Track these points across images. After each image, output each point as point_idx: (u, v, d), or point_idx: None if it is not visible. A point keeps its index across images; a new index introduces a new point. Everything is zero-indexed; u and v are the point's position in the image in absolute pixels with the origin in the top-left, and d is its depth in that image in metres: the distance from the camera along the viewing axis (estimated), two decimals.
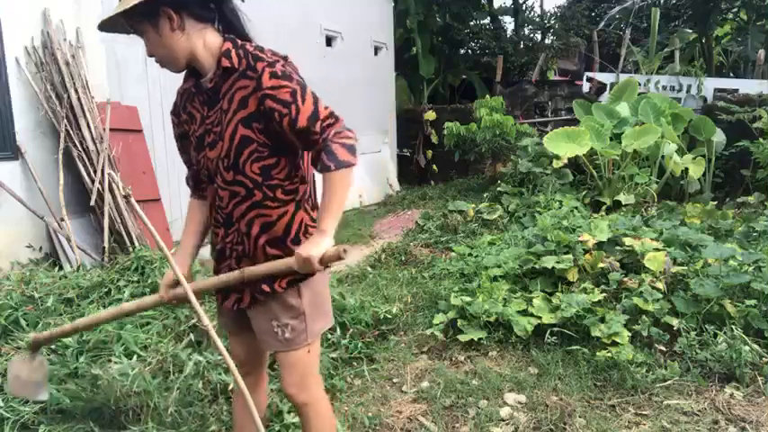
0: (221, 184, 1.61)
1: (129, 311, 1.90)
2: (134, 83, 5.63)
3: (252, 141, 1.54)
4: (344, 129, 1.52)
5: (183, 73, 1.67)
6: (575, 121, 8.31)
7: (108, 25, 1.58)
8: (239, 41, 1.58)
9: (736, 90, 9.05)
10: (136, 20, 1.52)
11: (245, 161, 1.56)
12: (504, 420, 2.62)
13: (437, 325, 3.50)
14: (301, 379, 1.75)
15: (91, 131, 4.67)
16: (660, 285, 3.42)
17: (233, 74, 1.53)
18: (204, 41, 1.56)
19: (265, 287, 1.64)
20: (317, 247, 1.46)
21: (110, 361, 2.64)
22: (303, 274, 1.60)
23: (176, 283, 1.70)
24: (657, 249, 3.73)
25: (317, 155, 1.52)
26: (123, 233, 4.60)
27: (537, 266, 3.89)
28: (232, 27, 1.62)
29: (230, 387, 2.54)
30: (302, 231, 1.67)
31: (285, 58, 1.58)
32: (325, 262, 1.46)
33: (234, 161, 1.56)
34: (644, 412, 2.65)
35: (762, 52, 9.79)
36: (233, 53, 1.54)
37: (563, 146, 7.01)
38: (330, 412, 1.86)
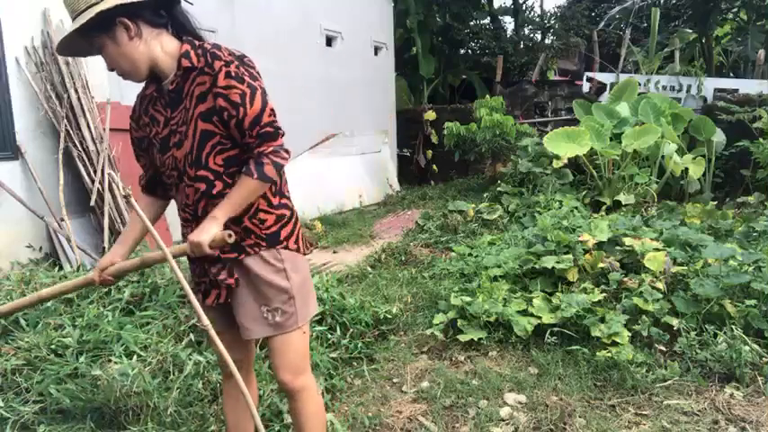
0: (187, 181, 1.67)
1: (49, 296, 1.92)
2: (133, 83, 5.62)
3: (214, 134, 1.60)
4: (281, 149, 1.60)
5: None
6: (575, 121, 8.31)
7: (65, 47, 1.63)
8: (196, 42, 1.64)
9: (736, 90, 9.05)
10: (93, 35, 1.56)
11: (207, 154, 1.62)
12: (504, 420, 2.62)
13: (437, 325, 3.50)
14: (296, 363, 1.77)
15: (91, 131, 4.67)
16: (660, 285, 3.42)
17: (192, 72, 1.59)
18: (162, 45, 1.62)
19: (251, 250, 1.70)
20: (206, 233, 1.55)
21: (110, 361, 2.64)
22: (253, 249, 1.70)
23: (108, 266, 1.77)
24: (657, 249, 3.73)
25: (246, 159, 1.61)
26: None
27: (537, 266, 3.89)
28: (185, 29, 1.68)
29: (220, 388, 2.53)
30: (249, 214, 1.67)
31: (241, 58, 1.60)
32: (215, 245, 1.56)
33: (197, 156, 1.62)
34: (644, 412, 2.65)
35: (762, 52, 9.79)
36: (192, 53, 1.60)
37: (563, 146, 7.01)
38: (321, 398, 1.92)
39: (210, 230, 1.55)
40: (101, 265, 1.77)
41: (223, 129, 1.59)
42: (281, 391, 1.83)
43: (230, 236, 1.54)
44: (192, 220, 1.72)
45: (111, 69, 1.63)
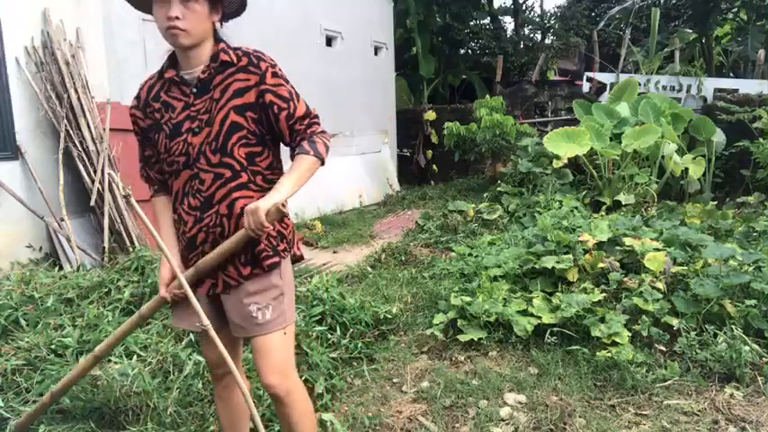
0: (205, 167, 1.69)
1: (130, 329, 1.95)
2: (134, 83, 5.61)
3: (242, 128, 1.69)
4: (326, 132, 1.76)
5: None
6: (575, 121, 8.31)
7: None
8: (230, 44, 1.78)
9: (736, 90, 9.05)
10: None
11: (233, 144, 1.68)
12: (504, 420, 2.62)
13: (437, 325, 3.50)
14: (283, 365, 1.77)
15: (91, 131, 4.67)
16: (660, 285, 3.42)
17: (229, 68, 1.69)
18: (210, 36, 1.73)
19: (246, 270, 1.72)
20: (266, 200, 1.57)
21: (110, 361, 2.65)
22: (281, 256, 1.76)
23: (173, 279, 1.77)
24: (657, 249, 3.73)
25: (298, 143, 1.71)
26: (123, 233, 4.61)
27: (537, 266, 3.89)
28: (216, 33, 1.78)
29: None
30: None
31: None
32: (270, 219, 1.56)
33: (222, 144, 1.68)
34: (644, 412, 2.65)
35: (762, 52, 9.79)
36: (230, 52, 1.71)
37: (563, 146, 7.01)
38: (309, 400, 1.91)
39: (270, 199, 1.57)
40: (164, 280, 1.82)
41: (252, 125, 1.69)
42: (273, 397, 1.80)
43: (284, 205, 1.56)
44: (198, 207, 1.72)
45: (176, 18, 1.61)
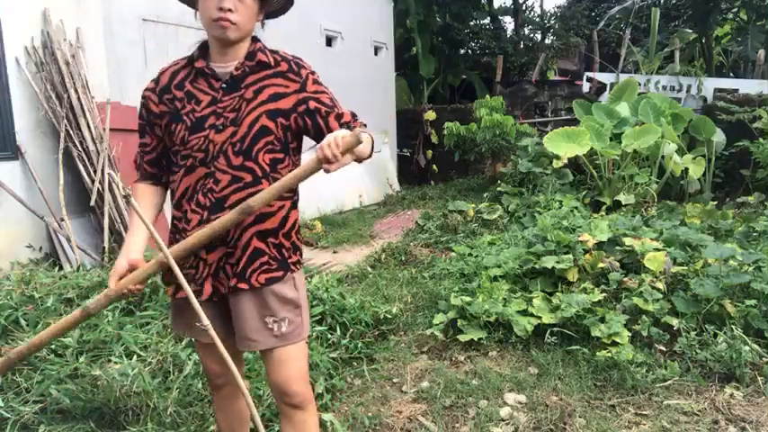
0: (224, 167, 1.62)
1: (60, 330, 1.73)
2: (134, 83, 5.63)
3: (270, 133, 1.64)
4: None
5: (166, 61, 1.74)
6: (575, 121, 8.31)
7: None
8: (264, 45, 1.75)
9: (736, 90, 9.05)
10: None
11: (259, 149, 1.63)
12: (504, 420, 2.62)
13: (437, 325, 3.50)
14: (304, 373, 1.76)
15: (91, 131, 4.67)
16: (660, 285, 3.42)
17: (266, 70, 1.66)
18: (251, 35, 1.71)
19: (232, 281, 1.66)
20: (341, 131, 1.45)
21: (110, 361, 2.64)
22: (290, 269, 1.71)
23: (128, 273, 1.64)
24: (657, 249, 3.73)
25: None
26: (123, 233, 4.60)
27: (537, 266, 3.89)
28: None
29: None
30: (295, 229, 1.75)
31: None
32: (343, 146, 1.42)
33: (248, 147, 1.62)
34: (644, 412, 2.65)
35: (762, 52, 9.79)
36: (268, 53, 1.69)
37: (563, 146, 7.01)
38: None
39: (343, 131, 1.46)
40: (117, 272, 1.64)
41: (280, 131, 1.65)
42: (288, 404, 1.74)
43: (362, 131, 1.45)
44: (208, 207, 1.64)
45: (228, 11, 1.55)
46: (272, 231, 1.68)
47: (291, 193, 1.70)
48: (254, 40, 1.70)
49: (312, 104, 1.65)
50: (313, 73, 1.69)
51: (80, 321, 1.75)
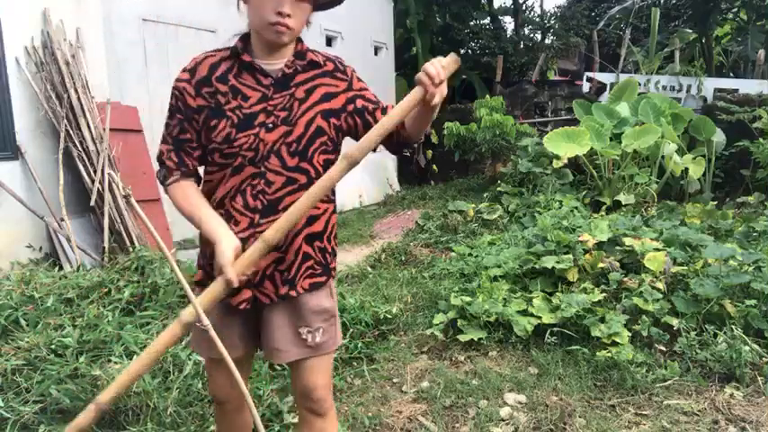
0: (276, 168, 1.56)
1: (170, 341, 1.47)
2: (134, 83, 5.64)
3: (324, 133, 1.61)
4: None
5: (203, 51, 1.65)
6: (575, 121, 8.31)
7: None
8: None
9: (736, 90, 9.06)
10: None
11: (314, 150, 1.59)
12: (504, 420, 2.62)
13: (437, 325, 3.50)
14: (329, 382, 1.74)
15: (91, 131, 4.67)
16: (660, 285, 3.42)
17: (315, 69, 1.63)
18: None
19: (283, 289, 1.60)
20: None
21: (110, 361, 2.64)
22: (331, 275, 1.69)
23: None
24: (657, 249, 3.73)
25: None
26: (123, 233, 4.61)
27: (537, 266, 3.89)
28: None
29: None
30: (334, 233, 1.73)
31: None
32: (447, 65, 1.47)
33: (304, 148, 1.58)
34: (644, 412, 2.65)
35: (762, 52, 9.79)
36: (317, 53, 1.66)
37: (563, 146, 7.01)
38: None
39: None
40: (229, 259, 1.44)
41: (333, 132, 1.62)
42: (311, 410, 1.71)
43: (458, 54, 1.46)
44: (259, 210, 1.55)
45: (287, 16, 1.50)
46: (318, 234, 1.65)
47: (333, 197, 1.69)
48: (299, 40, 1.66)
49: (360, 102, 1.64)
50: (354, 71, 1.69)
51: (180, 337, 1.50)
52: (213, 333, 1.55)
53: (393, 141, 1.64)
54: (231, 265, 1.42)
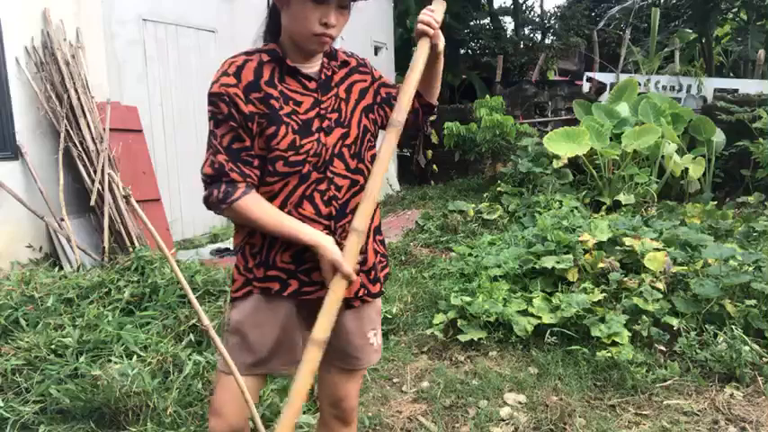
0: (342, 171, 1.53)
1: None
2: (134, 83, 5.64)
3: (368, 130, 1.61)
4: None
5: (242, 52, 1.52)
6: (575, 121, 8.31)
7: None
8: None
9: (736, 90, 9.06)
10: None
11: (365, 149, 1.59)
12: (504, 420, 2.62)
13: (437, 325, 3.50)
14: (358, 391, 1.73)
15: (91, 131, 4.67)
16: (660, 285, 3.42)
17: (345, 67, 1.60)
18: None
19: (374, 287, 1.60)
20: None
21: (110, 361, 2.64)
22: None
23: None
24: (657, 249, 3.74)
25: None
26: (123, 233, 4.61)
27: (537, 266, 3.89)
28: None
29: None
30: (379, 229, 1.73)
31: None
32: (436, 10, 1.53)
33: (359, 148, 1.57)
34: (644, 412, 2.65)
35: (762, 52, 9.79)
36: (338, 50, 1.63)
37: (563, 146, 7.01)
38: None
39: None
40: (338, 254, 1.43)
41: (373, 126, 1.63)
42: (339, 418, 1.67)
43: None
44: (335, 217, 1.52)
45: (331, 26, 1.44)
46: (378, 228, 1.69)
47: None
48: None
49: (384, 91, 1.65)
50: (367, 61, 1.69)
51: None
52: (212, 333, 1.55)
53: (416, 111, 1.69)
54: (351, 261, 1.43)
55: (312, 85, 1.52)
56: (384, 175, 1.51)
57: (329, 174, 1.51)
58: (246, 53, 1.50)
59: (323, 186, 1.51)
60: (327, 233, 1.50)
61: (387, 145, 1.51)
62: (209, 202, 1.48)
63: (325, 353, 1.44)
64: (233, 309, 1.56)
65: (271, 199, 1.50)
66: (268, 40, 1.56)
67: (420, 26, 1.49)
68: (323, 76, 1.54)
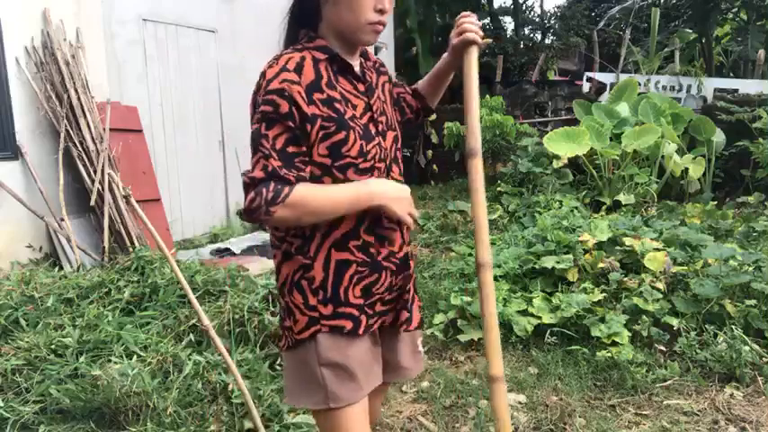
0: (398, 177, 1.47)
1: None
2: (134, 83, 5.64)
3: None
4: None
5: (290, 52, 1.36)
6: (575, 121, 8.30)
7: None
8: None
9: (736, 90, 9.05)
10: None
11: (398, 149, 1.51)
12: None
13: (437, 325, 3.50)
14: None
15: (91, 131, 4.67)
16: (660, 285, 3.42)
17: (375, 66, 1.53)
18: None
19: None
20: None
21: (110, 361, 2.64)
22: None
23: None
24: (657, 249, 3.74)
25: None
26: (123, 233, 4.61)
27: (537, 266, 3.89)
28: None
29: (230, 387, 2.54)
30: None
31: None
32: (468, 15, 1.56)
33: (396, 153, 1.50)
34: (644, 412, 2.65)
35: (762, 52, 9.79)
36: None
37: (563, 146, 7.01)
38: None
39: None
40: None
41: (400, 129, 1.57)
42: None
43: None
44: (399, 223, 1.44)
45: (386, 12, 1.36)
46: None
47: None
48: None
49: (395, 92, 1.62)
50: None
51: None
52: (212, 333, 1.56)
53: (417, 112, 1.73)
54: (411, 206, 1.41)
55: (361, 87, 1.41)
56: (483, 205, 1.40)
57: (391, 180, 1.44)
58: (295, 49, 1.35)
59: None
60: (401, 244, 1.45)
61: (478, 175, 1.38)
62: (253, 208, 1.26)
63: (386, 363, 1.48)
64: (303, 349, 1.39)
65: (356, 214, 1.37)
66: (292, 34, 1.44)
67: (469, 35, 1.44)
68: (367, 78, 1.44)
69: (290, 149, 1.28)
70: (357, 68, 1.42)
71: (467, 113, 1.41)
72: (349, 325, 1.37)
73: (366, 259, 1.37)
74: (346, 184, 1.33)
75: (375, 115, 1.41)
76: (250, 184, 1.26)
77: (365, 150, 1.35)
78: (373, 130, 1.39)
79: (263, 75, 1.30)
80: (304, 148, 1.30)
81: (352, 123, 1.34)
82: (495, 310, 1.38)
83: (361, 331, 1.38)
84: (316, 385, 1.36)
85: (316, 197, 1.29)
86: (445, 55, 1.62)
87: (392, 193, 1.36)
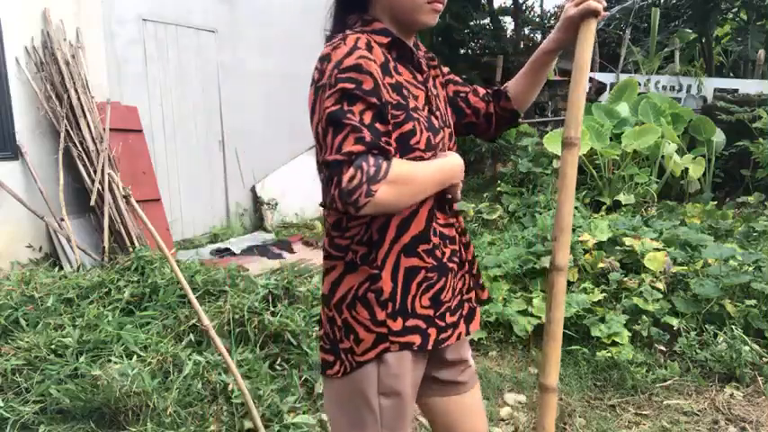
0: None
1: None
2: (134, 83, 5.64)
3: None
4: None
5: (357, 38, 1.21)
6: None
7: None
8: None
9: (736, 90, 9.06)
10: None
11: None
12: (504, 420, 2.62)
13: None
14: None
15: (91, 131, 4.67)
16: (660, 285, 3.43)
17: (425, 57, 1.41)
18: None
19: (483, 294, 1.44)
20: None
21: (110, 361, 2.64)
22: None
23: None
24: (657, 249, 3.74)
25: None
26: (123, 233, 4.61)
27: (537, 266, 3.89)
28: None
29: (230, 387, 2.54)
30: None
31: None
32: None
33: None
34: (644, 412, 2.65)
35: (762, 52, 9.79)
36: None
37: None
38: None
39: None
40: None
41: None
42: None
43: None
44: (456, 216, 1.36)
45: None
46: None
47: None
48: None
49: (452, 88, 1.49)
50: None
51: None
52: (212, 332, 1.56)
53: (489, 117, 1.53)
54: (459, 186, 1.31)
55: (419, 77, 1.29)
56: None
57: None
58: (354, 32, 1.21)
59: (449, 189, 1.29)
60: (459, 246, 1.34)
61: (571, 170, 1.22)
62: (353, 187, 1.05)
63: (436, 389, 1.39)
64: (362, 374, 1.23)
65: (416, 209, 1.24)
66: (339, 22, 1.32)
67: (592, 3, 1.29)
68: (424, 67, 1.32)
69: (379, 126, 1.11)
70: (425, 63, 1.33)
71: (572, 103, 1.23)
72: (418, 340, 1.23)
73: (434, 263, 1.25)
74: (427, 162, 1.21)
75: (434, 107, 1.30)
76: (344, 161, 1.06)
77: (433, 143, 1.24)
78: (436, 123, 1.28)
79: (328, 58, 1.15)
80: (390, 128, 1.15)
81: (415, 114, 1.22)
82: (562, 317, 1.30)
83: (429, 346, 1.24)
84: (369, 418, 1.24)
85: (415, 172, 1.15)
86: (550, 36, 1.47)
87: (461, 169, 1.27)
